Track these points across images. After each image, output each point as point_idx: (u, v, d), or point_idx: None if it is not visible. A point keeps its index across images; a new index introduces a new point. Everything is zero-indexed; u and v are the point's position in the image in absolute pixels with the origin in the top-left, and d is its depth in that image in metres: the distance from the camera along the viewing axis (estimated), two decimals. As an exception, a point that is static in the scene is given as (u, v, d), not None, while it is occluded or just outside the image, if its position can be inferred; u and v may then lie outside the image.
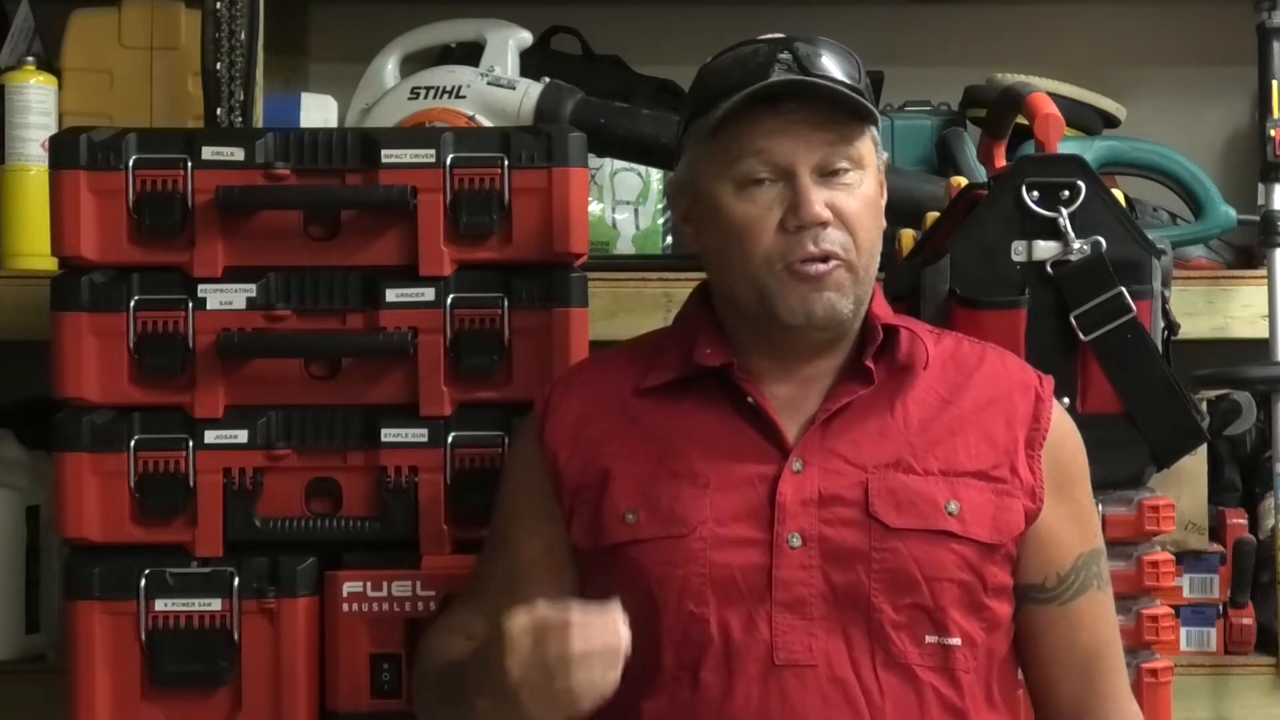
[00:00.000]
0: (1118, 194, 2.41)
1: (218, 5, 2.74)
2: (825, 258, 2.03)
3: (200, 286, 2.34)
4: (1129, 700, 2.16)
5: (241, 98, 2.74)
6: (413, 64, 3.08)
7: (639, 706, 2.03)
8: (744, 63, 2.06)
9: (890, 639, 2.01)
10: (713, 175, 2.07)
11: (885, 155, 2.14)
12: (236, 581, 2.32)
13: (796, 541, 2.02)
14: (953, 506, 2.04)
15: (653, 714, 2.02)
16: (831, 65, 2.05)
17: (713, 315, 2.13)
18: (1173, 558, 2.36)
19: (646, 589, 2.03)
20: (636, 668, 2.03)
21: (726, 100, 2.03)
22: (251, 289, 2.35)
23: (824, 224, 2.03)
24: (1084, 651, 2.12)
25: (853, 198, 2.05)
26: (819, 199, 2.03)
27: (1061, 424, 2.13)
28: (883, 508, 2.03)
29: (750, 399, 2.07)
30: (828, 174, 2.04)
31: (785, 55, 2.05)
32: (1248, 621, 2.92)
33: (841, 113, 2.05)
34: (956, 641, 2.03)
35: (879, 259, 2.10)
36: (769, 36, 2.08)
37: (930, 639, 2.02)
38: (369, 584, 2.33)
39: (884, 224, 2.12)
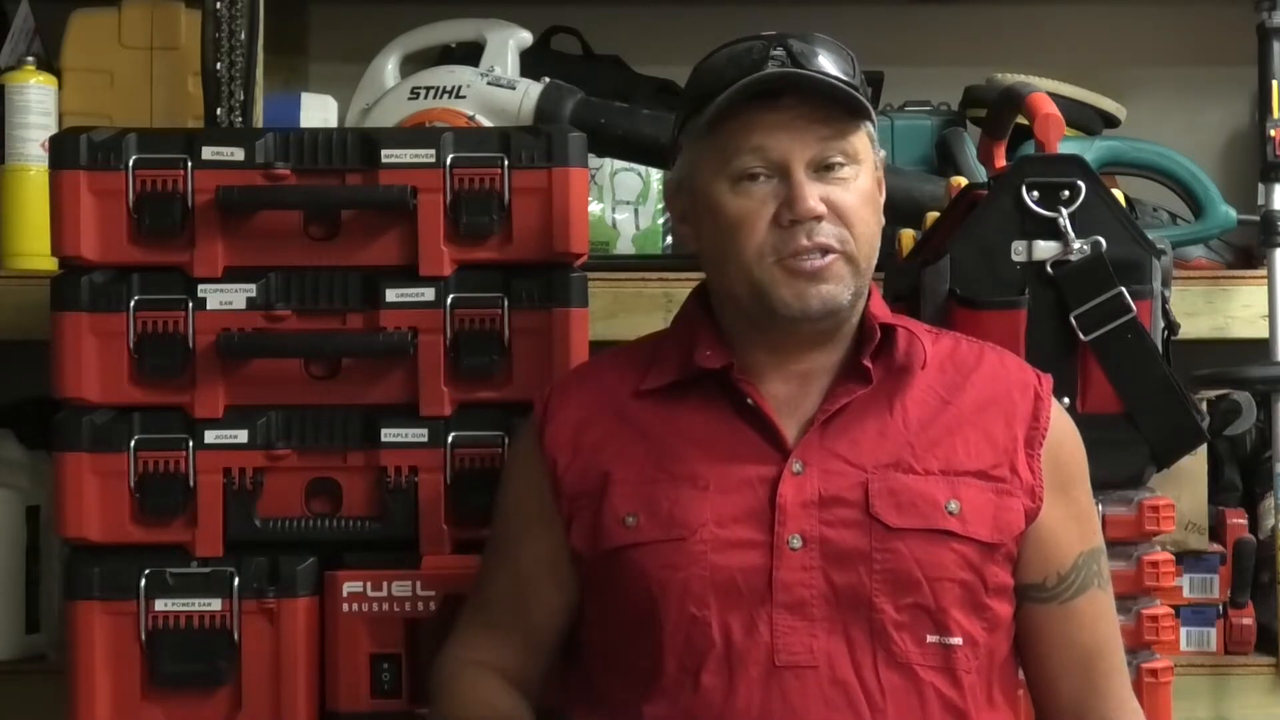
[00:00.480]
0: (1118, 194, 2.41)
1: (218, 5, 2.74)
2: (821, 251, 2.03)
3: (200, 286, 2.34)
4: (1129, 698, 2.16)
5: (241, 98, 2.74)
6: (413, 64, 3.08)
7: (640, 710, 2.03)
8: (738, 59, 2.06)
9: (892, 639, 2.01)
10: (709, 173, 2.07)
11: (883, 153, 2.14)
12: (236, 581, 2.32)
13: (797, 543, 2.02)
14: (953, 506, 2.04)
15: (661, 708, 2.02)
16: (825, 61, 2.06)
17: (711, 316, 2.13)
18: (1173, 558, 2.35)
19: (647, 592, 2.03)
20: (637, 671, 2.03)
21: (721, 97, 2.04)
22: (251, 289, 2.35)
23: (818, 218, 2.03)
24: (1084, 650, 2.12)
25: (848, 192, 2.05)
26: (813, 194, 2.03)
27: (1061, 423, 2.13)
28: (883, 508, 2.03)
29: (750, 400, 2.07)
30: (823, 169, 2.04)
31: (779, 51, 2.05)
32: (1248, 621, 2.92)
33: (836, 108, 2.05)
34: (958, 641, 2.03)
35: (878, 255, 2.10)
36: (764, 34, 2.08)
37: (931, 639, 2.02)
38: (369, 584, 2.33)
39: (883, 220, 2.12)
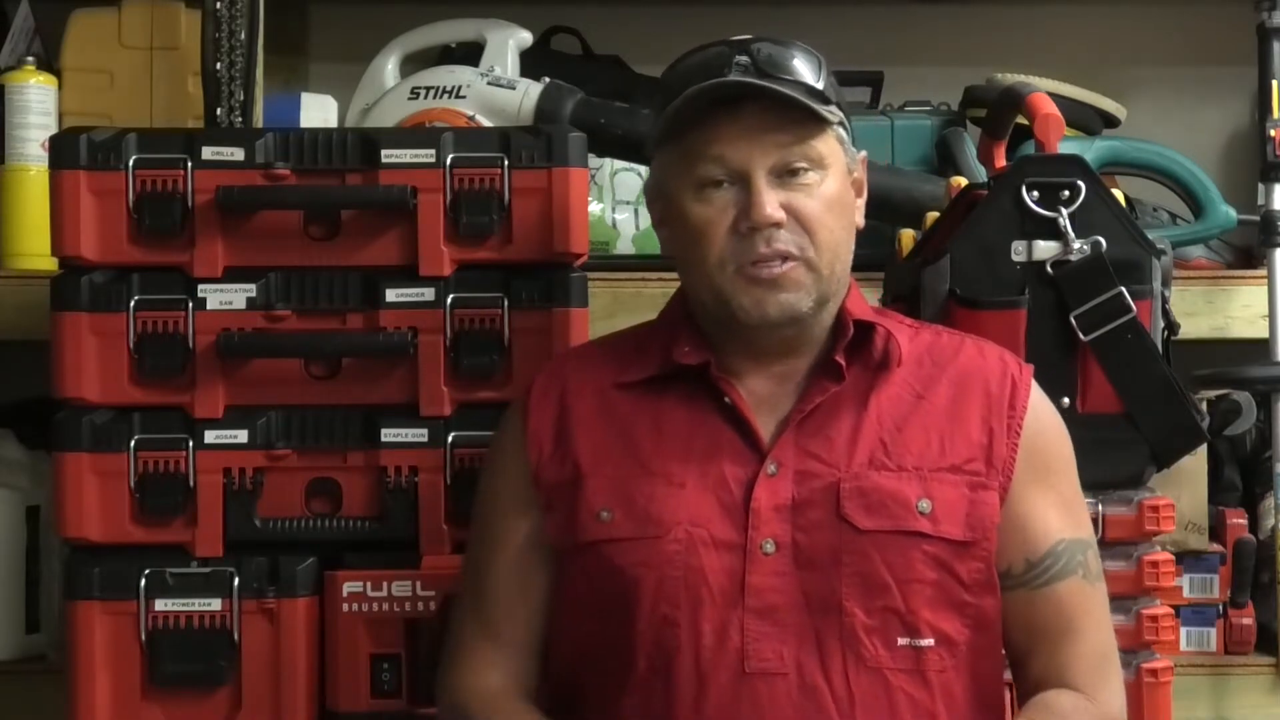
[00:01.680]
0: (1118, 194, 2.41)
1: (218, 5, 2.74)
2: (780, 258, 2.03)
3: (200, 286, 2.34)
4: (1106, 687, 2.08)
5: (241, 98, 2.74)
6: (413, 64, 3.08)
7: (619, 702, 2.04)
8: (706, 64, 2.07)
9: (861, 643, 2.01)
10: (675, 179, 2.08)
11: (863, 153, 2.13)
12: (236, 581, 2.32)
13: (770, 548, 2.02)
14: (924, 505, 2.03)
15: (631, 708, 2.03)
16: (791, 66, 2.05)
17: (692, 314, 2.13)
18: (1173, 558, 2.35)
19: (621, 589, 2.03)
20: (610, 666, 2.04)
21: (670, 107, 2.05)
22: (251, 289, 2.35)
23: (777, 225, 2.03)
24: (1056, 633, 2.08)
25: (812, 198, 2.05)
26: (773, 201, 2.03)
27: (1042, 411, 2.12)
28: (852, 509, 2.02)
29: (727, 399, 2.08)
30: (786, 175, 2.04)
31: (743, 58, 2.05)
32: (1248, 621, 2.92)
33: (798, 114, 2.04)
34: (929, 642, 2.02)
35: (849, 257, 2.09)
36: (733, 38, 2.08)
37: (902, 641, 2.02)
38: (369, 584, 2.33)
39: (857, 221, 2.12)
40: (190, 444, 2.34)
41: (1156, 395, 2.32)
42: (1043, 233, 2.32)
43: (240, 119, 2.74)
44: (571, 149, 2.37)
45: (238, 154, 2.35)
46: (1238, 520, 2.96)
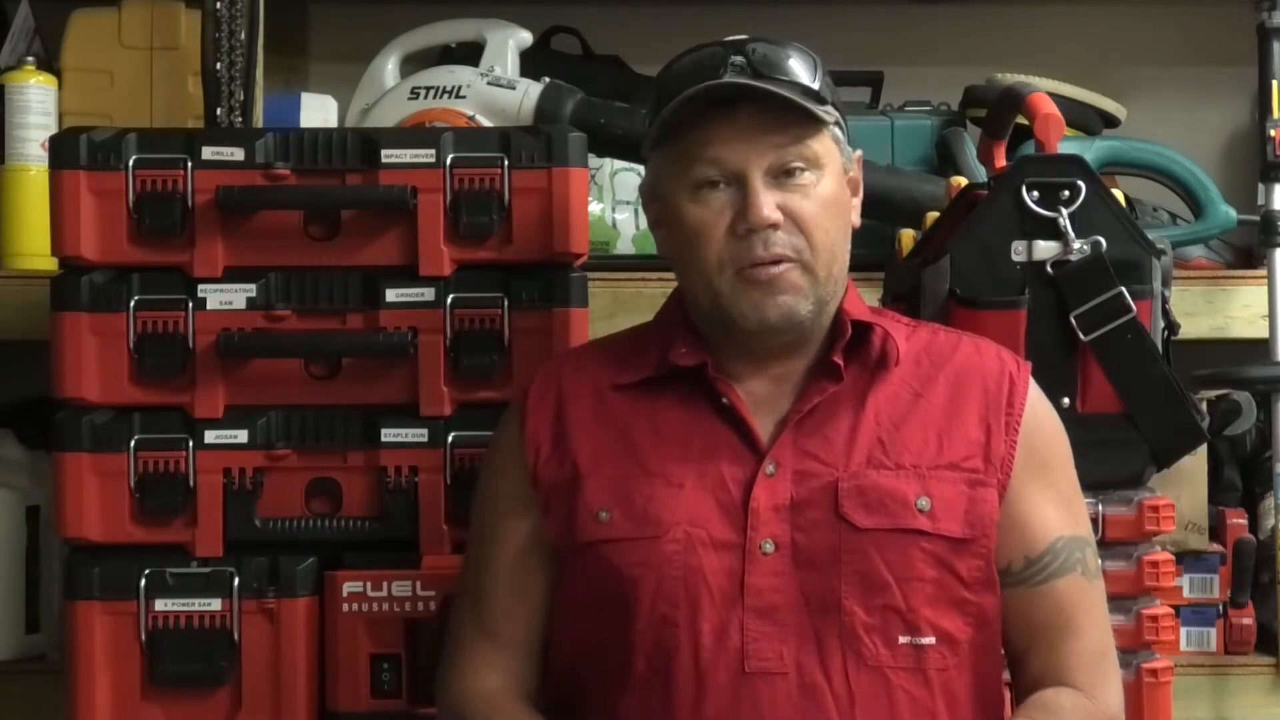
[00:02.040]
0: (1118, 194, 2.41)
1: (218, 5, 2.74)
2: (776, 260, 2.03)
3: (200, 286, 2.34)
4: (1104, 685, 2.09)
5: (241, 98, 2.74)
6: (413, 64, 3.08)
7: (618, 702, 2.04)
8: (700, 65, 2.06)
9: (862, 641, 2.01)
10: (671, 181, 2.08)
11: (858, 152, 2.13)
12: (236, 581, 2.32)
13: (769, 548, 2.02)
14: (923, 503, 2.03)
15: (630, 709, 2.03)
16: (786, 66, 2.05)
17: (689, 317, 2.13)
18: (1173, 558, 2.35)
19: (619, 589, 2.03)
20: (609, 666, 2.04)
21: (666, 109, 2.05)
22: (251, 289, 2.35)
23: (774, 226, 2.03)
24: (1056, 632, 2.08)
25: (808, 199, 2.04)
26: (769, 202, 2.02)
27: (1040, 409, 2.12)
28: (851, 508, 2.02)
29: (725, 399, 2.07)
30: (782, 175, 2.04)
31: (738, 58, 2.05)
32: (1248, 621, 2.92)
33: (794, 114, 2.04)
34: (930, 640, 2.02)
35: (846, 258, 2.09)
36: (728, 39, 2.08)
37: (903, 639, 2.02)
38: (369, 584, 2.33)
39: (855, 221, 2.11)
40: (190, 444, 2.34)
41: (1156, 395, 2.32)
42: (1043, 233, 2.32)
43: (240, 119, 2.74)
44: (571, 149, 2.37)
45: (238, 154, 2.35)
46: (1238, 520, 2.96)
